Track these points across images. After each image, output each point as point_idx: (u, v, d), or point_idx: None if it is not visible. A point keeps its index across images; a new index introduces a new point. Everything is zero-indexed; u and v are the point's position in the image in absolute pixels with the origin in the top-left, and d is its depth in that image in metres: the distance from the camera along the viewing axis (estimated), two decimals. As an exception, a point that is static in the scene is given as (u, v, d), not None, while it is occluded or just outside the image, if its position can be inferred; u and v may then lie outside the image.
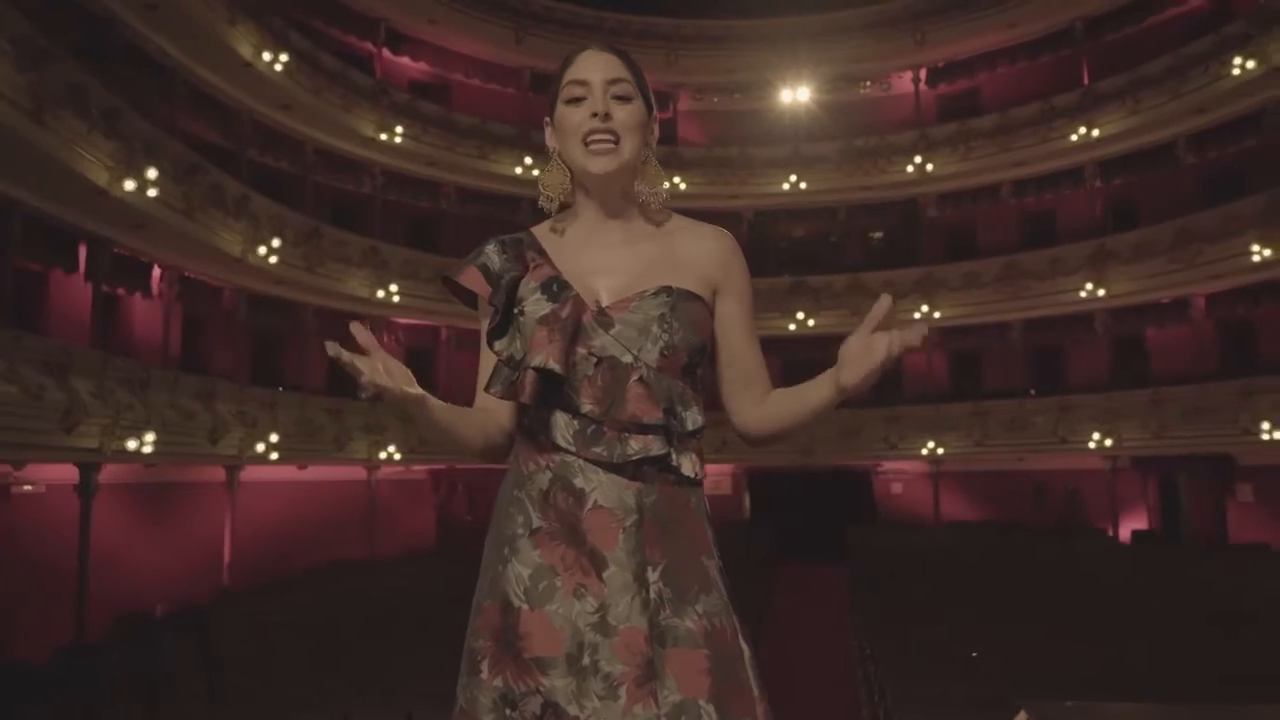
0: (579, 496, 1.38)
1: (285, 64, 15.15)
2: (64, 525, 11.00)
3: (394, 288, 17.60)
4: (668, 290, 1.43)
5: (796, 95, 21.31)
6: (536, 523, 1.39)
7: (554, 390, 1.39)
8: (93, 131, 10.57)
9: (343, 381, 18.23)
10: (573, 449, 1.38)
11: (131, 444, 11.24)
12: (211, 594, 13.13)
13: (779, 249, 22.58)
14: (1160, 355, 19.15)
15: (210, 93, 15.02)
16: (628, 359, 1.39)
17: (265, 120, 16.29)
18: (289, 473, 16.05)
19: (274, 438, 14.60)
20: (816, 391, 1.38)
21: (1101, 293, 18.24)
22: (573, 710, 1.30)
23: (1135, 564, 16.42)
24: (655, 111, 1.53)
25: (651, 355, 1.39)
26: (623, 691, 1.29)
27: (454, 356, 19.43)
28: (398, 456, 17.17)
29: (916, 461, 19.38)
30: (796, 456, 18.70)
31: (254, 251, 14.36)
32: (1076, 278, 18.46)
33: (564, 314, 1.40)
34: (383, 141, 17.98)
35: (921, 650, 10.96)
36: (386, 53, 19.43)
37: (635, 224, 1.52)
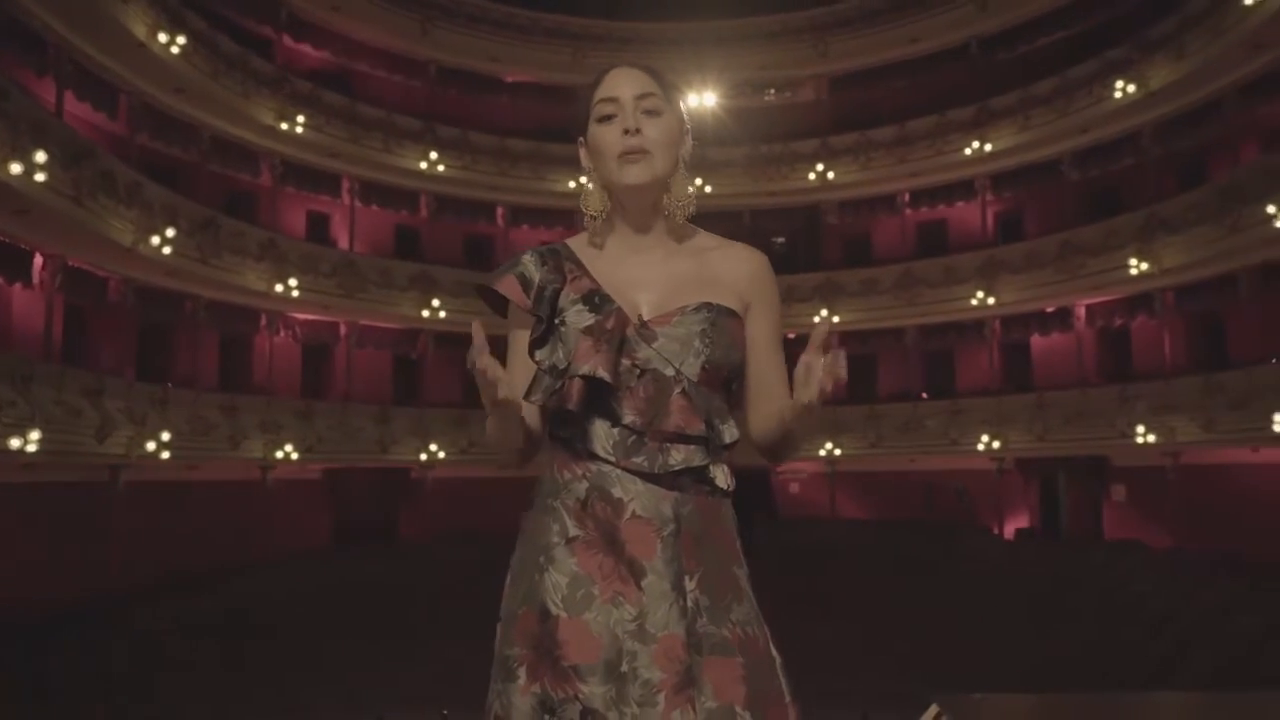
0: (617, 506, 1.40)
1: (182, 46, 14.57)
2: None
3: (293, 282, 17.10)
4: (709, 306, 1.46)
5: (703, 100, 21.55)
6: (573, 531, 1.41)
7: (596, 400, 1.41)
8: (-26, 111, 10.00)
9: (236, 377, 17.68)
10: (612, 458, 1.40)
11: (15, 442, 10.66)
12: (95, 599, 12.55)
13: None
14: (1044, 362, 20.06)
15: (100, 74, 14.34)
16: (670, 372, 1.42)
17: (159, 104, 15.64)
18: (177, 471, 15.43)
19: (165, 436, 14.03)
20: (789, 408, 1.42)
21: (991, 301, 19.02)
22: (612, 717, 1.32)
23: (1018, 560, 17.18)
24: (688, 124, 1.55)
25: (693, 369, 1.42)
26: (661, 698, 1.32)
27: (353, 353, 18.99)
28: (295, 456, 16.70)
29: (814, 462, 19.85)
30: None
31: (146, 241, 13.77)
32: (969, 286, 19.21)
33: (609, 325, 1.42)
34: (283, 131, 17.46)
35: (823, 645, 11.24)
36: (287, 39, 18.87)
37: (669, 240, 1.55)
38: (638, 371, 1.42)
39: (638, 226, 1.53)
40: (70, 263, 13.79)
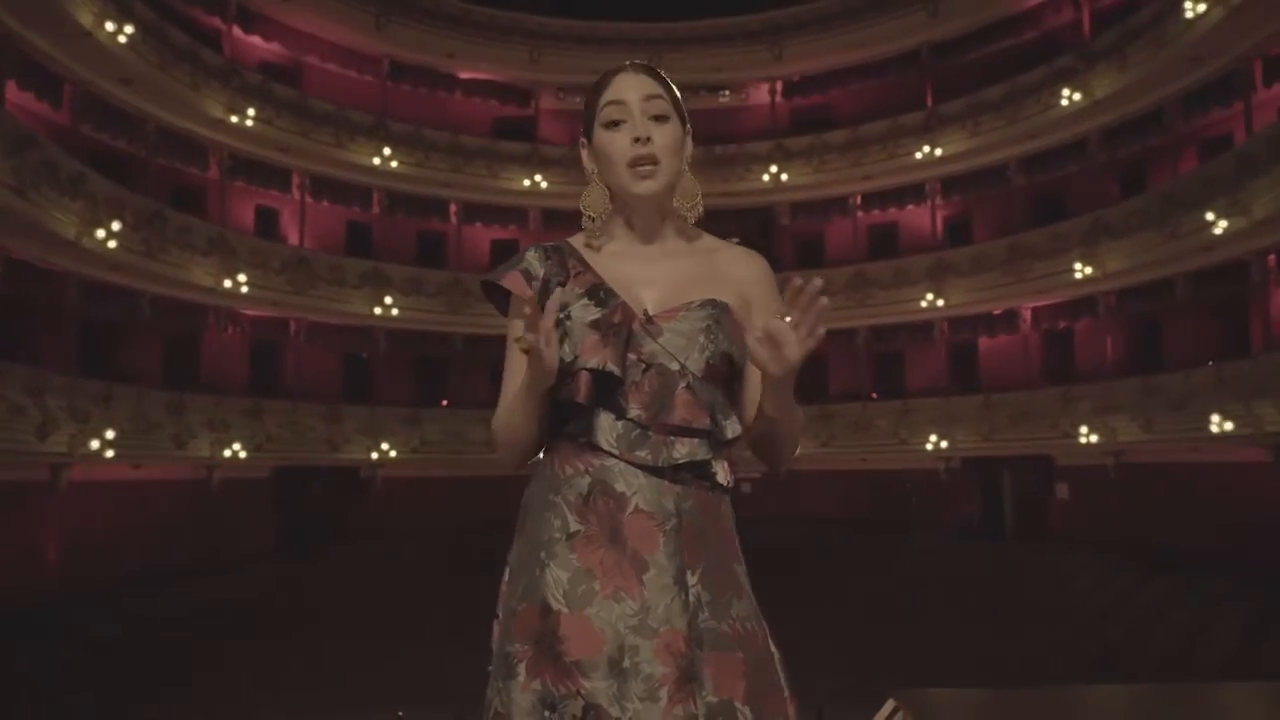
0: (619, 500, 1.40)
1: (130, 36, 14.25)
2: None
3: (242, 278, 16.83)
4: (713, 303, 1.47)
5: (658, 100, 21.63)
6: (574, 526, 1.41)
7: (601, 394, 1.42)
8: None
9: (182, 375, 17.33)
10: (616, 452, 1.41)
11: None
12: (35, 600, 12.24)
13: (637, 251, 22.84)
14: (991, 363, 20.44)
15: (44, 63, 13.98)
16: (675, 366, 1.42)
17: (105, 95, 15.29)
18: (122, 471, 15.09)
19: (109, 434, 13.72)
20: (764, 391, 1.42)
21: (941, 303, 19.33)
22: (614, 712, 1.32)
23: (965, 558, 17.49)
24: (689, 126, 1.56)
25: (698, 364, 1.43)
26: (663, 693, 1.32)
27: (303, 351, 18.73)
28: (243, 454, 16.43)
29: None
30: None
31: (90, 235, 13.46)
32: (918, 288, 19.50)
33: (616, 319, 1.43)
34: (232, 124, 17.17)
35: (777, 643, 11.29)
36: (236, 30, 18.56)
37: (672, 239, 1.56)
38: (643, 366, 1.42)
39: (643, 228, 1.54)
40: (12, 255, 13.44)
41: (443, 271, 20.45)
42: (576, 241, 1.56)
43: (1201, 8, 14.29)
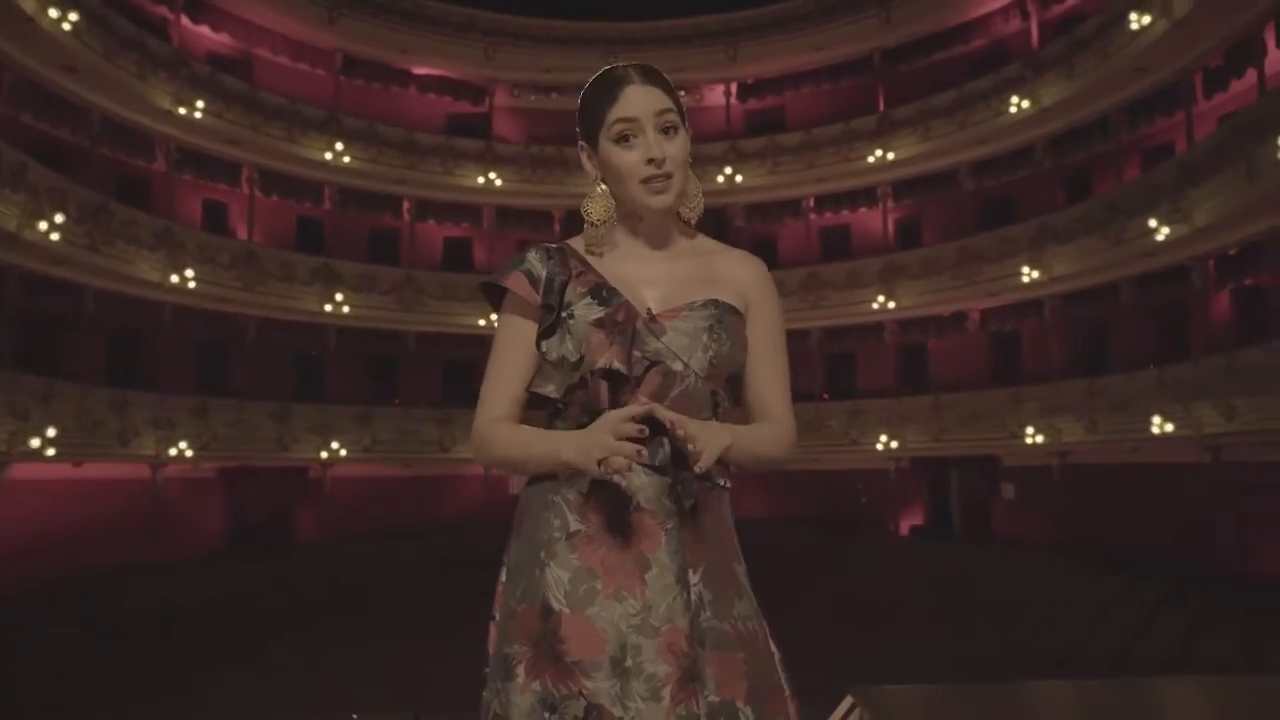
0: (621, 499, 1.40)
1: (74, 23, 13.90)
2: None
3: (189, 273, 16.49)
4: (715, 304, 1.48)
5: (613, 99, 21.63)
6: (574, 526, 1.40)
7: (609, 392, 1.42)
8: None
9: (127, 372, 16.94)
10: None
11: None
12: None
13: (591, 251, 22.82)
14: (940, 364, 20.74)
15: (-17, 49, 13.60)
16: (678, 365, 1.43)
17: (48, 83, 14.90)
18: (64, 470, 14.71)
19: (50, 432, 13.37)
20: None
21: (892, 305, 19.58)
22: (616, 712, 1.32)
23: (913, 558, 17.75)
24: (689, 128, 1.56)
25: (701, 363, 1.44)
26: (666, 693, 1.32)
27: (253, 348, 18.39)
28: (189, 453, 16.10)
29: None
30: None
31: (32, 227, 13.11)
32: (870, 290, 19.74)
33: (620, 318, 1.44)
34: (180, 115, 16.82)
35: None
36: (185, 20, 18.21)
37: (673, 241, 1.57)
38: (646, 364, 1.43)
39: (649, 233, 1.55)
40: (-53, 248, 13.06)
41: (395, 269, 20.24)
42: (577, 244, 1.56)
43: (1146, 20, 14.66)
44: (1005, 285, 18.12)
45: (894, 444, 19.06)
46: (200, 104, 17.00)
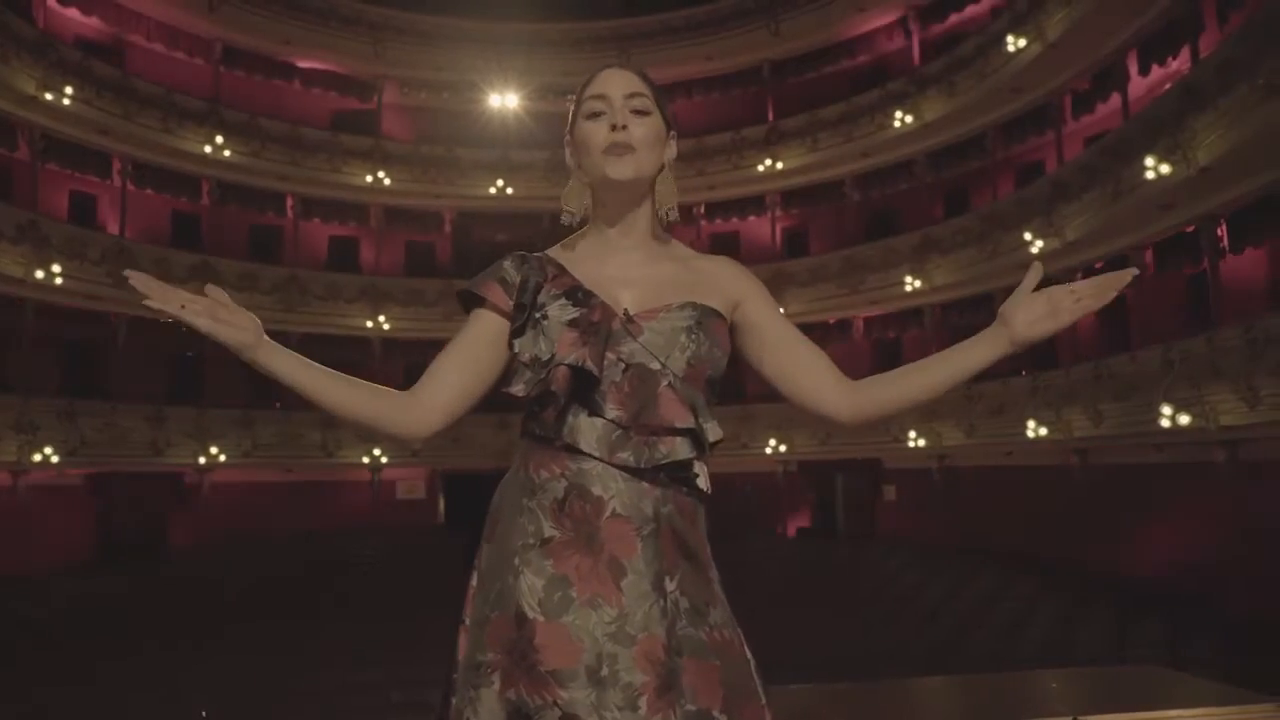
0: (596, 504, 1.37)
1: (-71, 0, 13.00)
2: None
3: (56, 268, 15.59)
4: (693, 305, 1.47)
5: (505, 101, 21.45)
6: (548, 532, 1.38)
7: (579, 394, 1.39)
8: None
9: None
10: (597, 454, 1.38)
11: None
12: None
13: (481, 253, 22.52)
14: (825, 370, 21.24)
15: None
16: (655, 366, 1.42)
17: (-104, 63, 13.90)
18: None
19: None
20: (964, 357, 1.55)
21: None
22: None
23: (801, 557, 18.15)
24: (674, 130, 1.56)
25: (679, 364, 1.43)
26: (643, 702, 1.30)
27: (124, 348, 17.48)
28: (55, 459, 15.21)
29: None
30: (492, 460, 18.70)
31: (-121, 216, 12.19)
32: (759, 297, 20.07)
33: (594, 318, 1.43)
34: (46, 102, 15.88)
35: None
36: (52, 1, 17.21)
37: (650, 243, 1.55)
38: (622, 366, 1.41)
39: (619, 226, 1.53)
40: None
41: (278, 268, 19.57)
42: (555, 250, 1.56)
43: (1022, 42, 15.40)
44: (889, 294, 18.74)
45: (783, 448, 19.45)
46: (69, 90, 16.10)
